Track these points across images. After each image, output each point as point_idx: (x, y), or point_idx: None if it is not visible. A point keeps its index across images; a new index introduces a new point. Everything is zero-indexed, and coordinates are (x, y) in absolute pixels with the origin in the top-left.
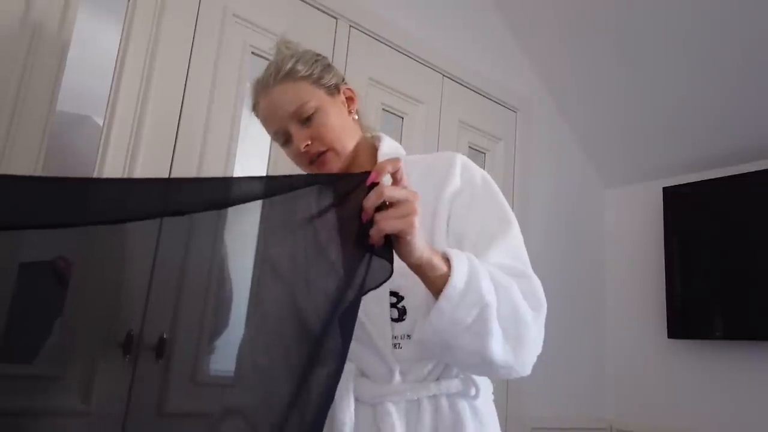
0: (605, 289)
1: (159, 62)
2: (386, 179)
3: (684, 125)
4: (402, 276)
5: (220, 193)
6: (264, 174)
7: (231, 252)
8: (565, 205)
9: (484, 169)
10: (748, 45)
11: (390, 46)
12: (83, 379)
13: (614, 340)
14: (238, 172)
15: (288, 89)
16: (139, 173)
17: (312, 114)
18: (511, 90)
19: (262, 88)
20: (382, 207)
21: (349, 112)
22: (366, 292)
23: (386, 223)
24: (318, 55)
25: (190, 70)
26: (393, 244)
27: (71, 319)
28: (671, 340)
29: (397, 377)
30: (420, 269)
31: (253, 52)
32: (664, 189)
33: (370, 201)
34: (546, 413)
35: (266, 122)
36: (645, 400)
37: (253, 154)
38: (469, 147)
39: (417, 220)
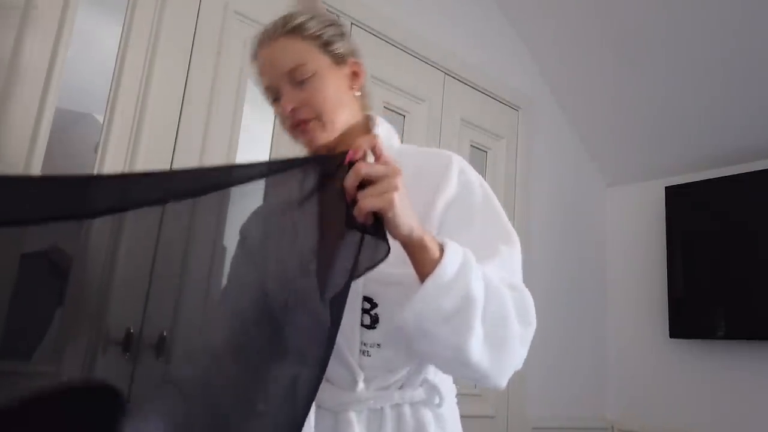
0: (607, 288)
1: (159, 59)
2: (370, 157)
3: (686, 124)
4: (379, 283)
5: (210, 180)
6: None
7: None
8: (567, 203)
9: (485, 167)
10: (749, 45)
11: (392, 44)
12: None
13: (616, 339)
14: None
15: (290, 45)
16: (139, 170)
17: (308, 77)
18: (514, 88)
19: (266, 38)
20: (366, 184)
21: (351, 87)
22: (362, 273)
23: (365, 202)
24: (335, 20)
25: (190, 66)
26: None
27: (70, 315)
28: (673, 339)
29: (361, 385)
30: (409, 248)
31: None
32: (666, 188)
33: (350, 181)
34: (547, 413)
35: (260, 75)
36: (646, 400)
37: (255, 150)
38: (471, 145)
39: (397, 196)
